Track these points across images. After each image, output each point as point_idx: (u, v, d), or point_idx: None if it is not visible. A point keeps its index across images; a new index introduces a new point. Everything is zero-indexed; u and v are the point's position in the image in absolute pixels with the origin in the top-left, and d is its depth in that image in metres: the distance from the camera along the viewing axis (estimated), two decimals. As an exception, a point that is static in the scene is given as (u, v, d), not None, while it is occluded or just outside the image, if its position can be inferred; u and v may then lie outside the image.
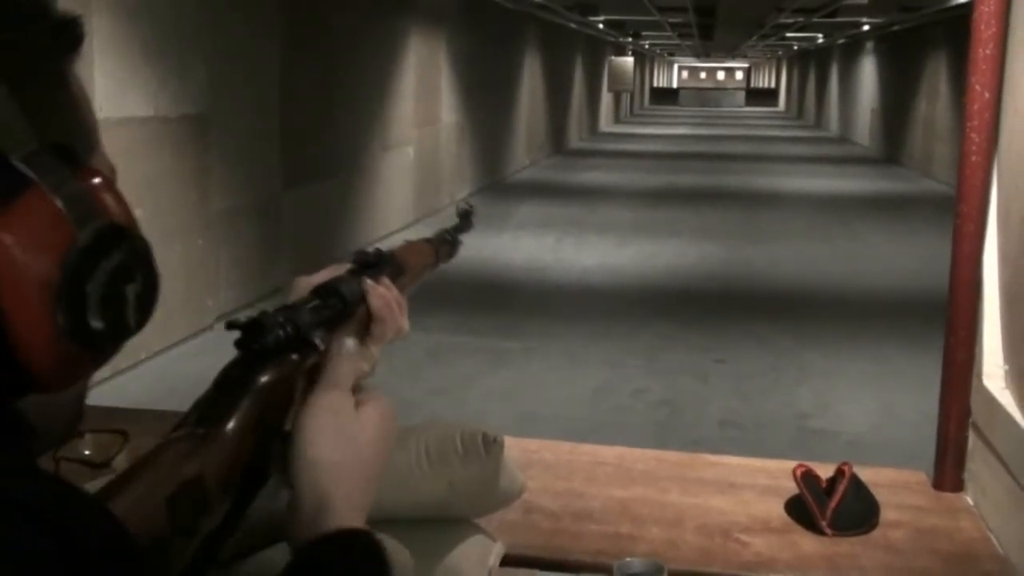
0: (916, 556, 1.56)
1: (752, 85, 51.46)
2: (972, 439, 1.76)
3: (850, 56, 24.27)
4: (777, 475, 1.77)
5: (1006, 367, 1.70)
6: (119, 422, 1.71)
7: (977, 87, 1.68)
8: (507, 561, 1.48)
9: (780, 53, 37.41)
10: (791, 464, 1.70)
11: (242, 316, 0.83)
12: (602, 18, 17.35)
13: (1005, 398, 1.65)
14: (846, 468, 1.66)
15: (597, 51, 25.14)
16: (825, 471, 1.69)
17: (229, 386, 0.80)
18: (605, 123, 27.33)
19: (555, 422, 4.66)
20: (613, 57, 26.29)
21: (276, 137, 7.28)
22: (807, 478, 1.65)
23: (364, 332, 0.94)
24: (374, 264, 1.01)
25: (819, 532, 1.60)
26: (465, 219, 1.28)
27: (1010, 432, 1.60)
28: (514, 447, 1.58)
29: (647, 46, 30.30)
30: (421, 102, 10.69)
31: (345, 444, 0.82)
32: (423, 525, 1.37)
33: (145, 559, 0.66)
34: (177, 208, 5.76)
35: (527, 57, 16.74)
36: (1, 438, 0.63)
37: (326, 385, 0.84)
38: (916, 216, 11.71)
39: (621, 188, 14.04)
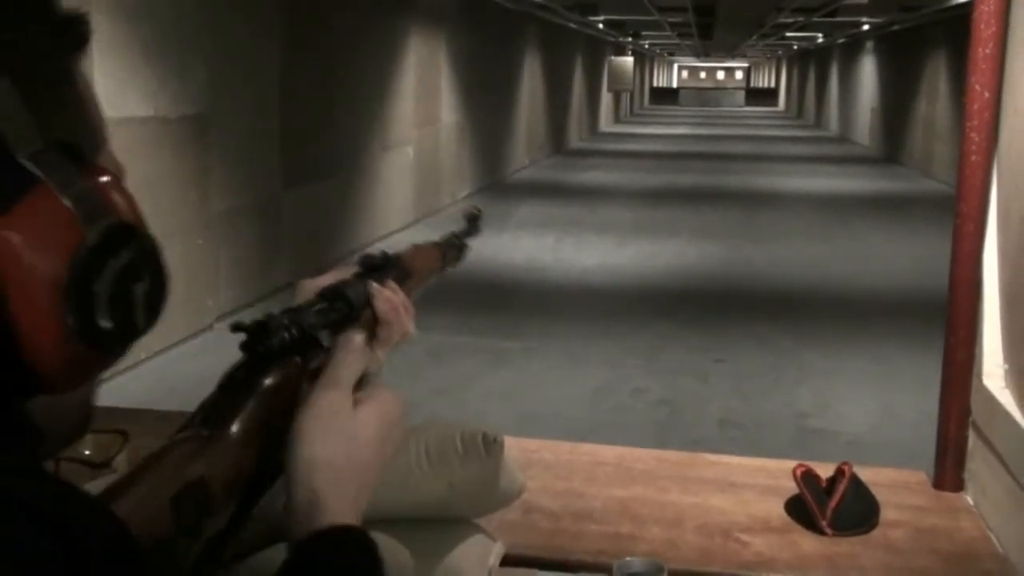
0: (916, 556, 1.56)
1: (752, 85, 51.45)
2: (972, 439, 1.76)
3: (850, 56, 24.27)
4: (777, 475, 1.77)
5: (1006, 366, 1.70)
6: (119, 422, 1.71)
7: (977, 86, 1.68)
8: (507, 561, 1.48)
9: (780, 53, 37.40)
10: (791, 464, 1.70)
11: (247, 318, 0.83)
12: (602, 18, 17.35)
13: (1005, 397, 1.65)
14: (846, 468, 1.66)
15: (597, 51, 25.14)
16: (825, 471, 1.69)
17: (234, 388, 0.80)
18: (605, 123, 27.33)
19: (555, 422, 4.66)
20: (613, 57, 26.29)
21: (276, 137, 7.28)
22: (807, 478, 1.65)
23: (370, 336, 0.94)
24: (380, 267, 1.01)
25: (819, 532, 1.60)
26: (473, 223, 1.27)
27: (1010, 431, 1.60)
28: (514, 447, 1.58)
29: (647, 46, 30.30)
30: (421, 102, 10.69)
31: (340, 443, 0.82)
32: (423, 525, 1.37)
33: (148, 560, 0.65)
34: (177, 208, 5.76)
35: (527, 57, 16.73)
36: (6, 439, 0.62)
37: (325, 384, 0.84)
38: (916, 216, 11.71)
39: (621, 188, 14.04)
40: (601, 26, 19.19)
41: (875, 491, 1.66)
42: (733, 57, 42.90)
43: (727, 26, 18.95)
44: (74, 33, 0.68)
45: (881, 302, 7.32)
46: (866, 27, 18.19)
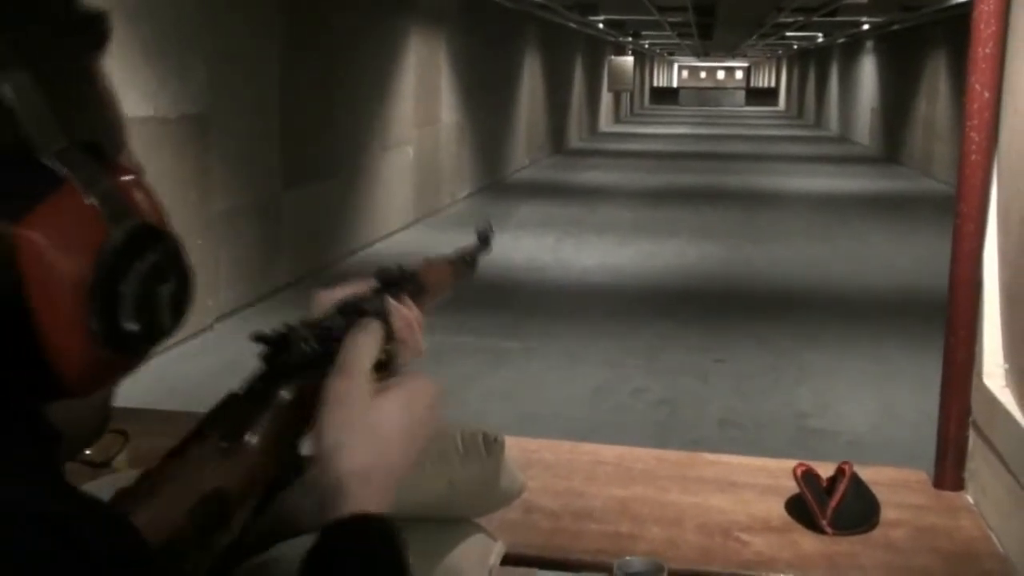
0: (916, 555, 1.56)
1: (752, 84, 51.46)
2: (972, 438, 1.76)
3: (850, 55, 24.27)
4: (777, 474, 1.77)
5: (1006, 366, 1.70)
6: (119, 422, 1.70)
7: (977, 86, 1.68)
8: (507, 560, 1.48)
9: (780, 52, 37.41)
10: (791, 463, 1.70)
11: (265, 327, 0.83)
12: (602, 18, 17.35)
13: (1005, 397, 1.65)
14: (846, 467, 1.66)
15: (597, 51, 25.14)
16: (825, 470, 1.69)
17: (253, 400, 0.80)
18: (605, 123, 27.33)
19: (555, 422, 4.66)
20: (613, 57, 26.29)
21: (276, 137, 7.28)
22: (807, 477, 1.65)
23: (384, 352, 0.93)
24: (396, 282, 1.00)
25: (819, 531, 1.60)
26: (484, 240, 1.26)
27: (1010, 431, 1.60)
28: (514, 447, 1.58)
29: (647, 46, 30.31)
30: (421, 102, 10.69)
31: (359, 430, 0.81)
32: (423, 525, 1.37)
33: (161, 569, 0.65)
34: (177, 208, 5.75)
35: (527, 57, 16.73)
36: (21, 444, 0.61)
37: (337, 372, 0.83)
38: (916, 215, 11.71)
39: (621, 188, 14.04)
40: (601, 26, 19.19)
41: (875, 490, 1.66)
42: (733, 57, 42.91)
43: (727, 26, 18.95)
44: (94, 31, 0.68)
45: (881, 302, 7.32)
46: (866, 27, 18.19)
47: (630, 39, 24.43)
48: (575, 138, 21.91)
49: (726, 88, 50.96)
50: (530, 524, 1.62)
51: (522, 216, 11.27)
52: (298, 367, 0.82)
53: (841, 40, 23.52)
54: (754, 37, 23.28)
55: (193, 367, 4.99)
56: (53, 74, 0.63)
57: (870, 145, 21.22)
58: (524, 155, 16.55)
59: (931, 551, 1.57)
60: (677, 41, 26.57)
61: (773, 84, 48.00)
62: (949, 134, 14.23)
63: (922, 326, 5.95)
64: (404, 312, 0.96)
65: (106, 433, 1.70)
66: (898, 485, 1.78)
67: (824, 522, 1.59)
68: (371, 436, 0.81)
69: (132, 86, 5.30)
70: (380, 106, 9.49)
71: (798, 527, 1.62)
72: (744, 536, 1.60)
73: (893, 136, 19.13)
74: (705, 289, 7.75)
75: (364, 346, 0.85)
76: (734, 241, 9.77)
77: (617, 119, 29.99)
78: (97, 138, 0.66)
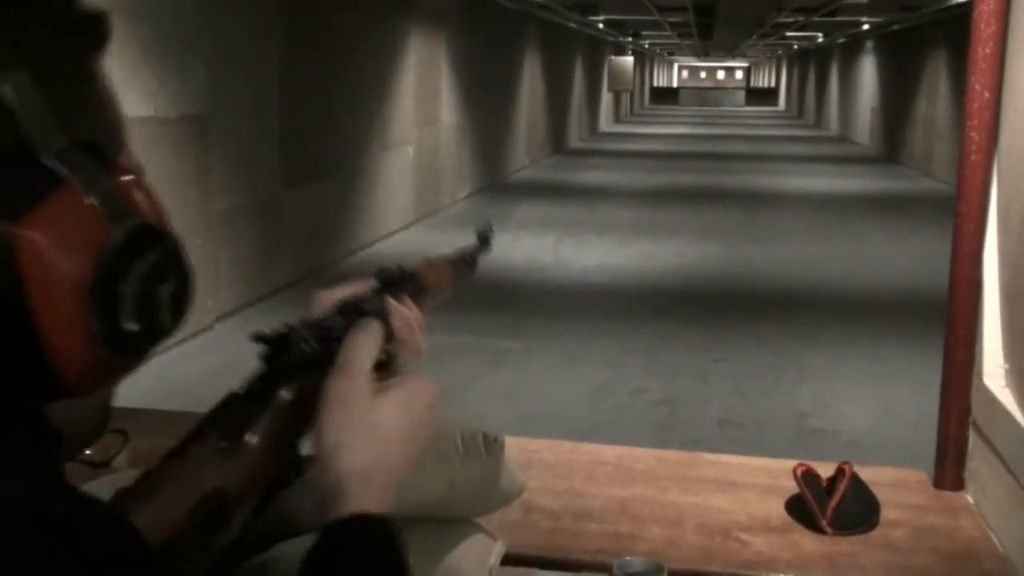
0: (916, 555, 1.56)
1: (752, 84, 51.46)
2: (972, 438, 1.76)
3: (850, 55, 24.27)
4: (777, 474, 1.77)
5: (1006, 366, 1.70)
6: (119, 422, 1.71)
7: (977, 86, 1.68)
8: (507, 560, 1.48)
9: (780, 52, 37.41)
10: (791, 463, 1.70)
11: (268, 329, 0.83)
12: (602, 18, 17.35)
13: (1005, 397, 1.65)
14: (846, 467, 1.66)
15: (597, 51, 25.14)
16: (825, 470, 1.69)
17: (253, 400, 0.80)
18: (605, 123, 27.33)
19: (555, 422, 4.66)
20: (613, 57, 26.29)
21: (276, 137, 7.28)
22: (807, 477, 1.65)
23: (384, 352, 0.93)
24: (396, 283, 1.00)
25: (819, 531, 1.60)
26: (484, 241, 1.26)
27: (1010, 431, 1.60)
28: (514, 447, 1.58)
29: (647, 46, 30.31)
30: (421, 102, 10.69)
31: (358, 429, 0.81)
32: (423, 525, 1.37)
33: (160, 569, 0.65)
34: (177, 208, 5.75)
35: (527, 57, 16.74)
36: (23, 444, 0.61)
37: (337, 371, 0.83)
38: (916, 215, 11.71)
39: (621, 188, 14.04)
40: (601, 26, 19.19)
41: (875, 490, 1.66)
42: (733, 57, 42.91)
43: (727, 26, 18.95)
44: (94, 31, 0.68)
45: (881, 302, 7.32)
46: (866, 27, 18.20)
47: (630, 39, 24.44)
48: (575, 138, 21.91)
49: (726, 88, 50.96)
50: (530, 524, 1.62)
51: (522, 216, 11.27)
52: (298, 367, 0.82)
53: (841, 40, 23.52)
54: (754, 37, 23.28)
55: (193, 367, 4.99)
56: (53, 74, 0.62)
57: (870, 145, 21.22)
58: (524, 155, 16.55)
59: (931, 551, 1.57)
60: (677, 41, 26.57)
61: (773, 84, 48.00)
62: (949, 134, 14.23)
63: (922, 326, 5.95)
64: (404, 312, 0.95)
65: (106, 433, 1.70)
66: (898, 485, 1.78)
67: (824, 522, 1.59)
68: (371, 436, 0.81)
69: (132, 86, 5.30)
70: (380, 106, 9.49)
71: (798, 527, 1.62)
72: (744, 536, 1.60)
73: (893, 136, 19.13)
74: (705, 289, 7.74)
75: (364, 346, 0.85)
76: (734, 241, 9.77)
77: (617, 119, 29.99)
78: (97, 138, 0.65)
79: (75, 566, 0.56)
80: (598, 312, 6.95)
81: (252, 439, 0.77)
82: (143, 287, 0.63)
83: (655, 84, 46.96)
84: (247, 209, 6.84)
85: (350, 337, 0.85)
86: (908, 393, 5.07)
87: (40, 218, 0.59)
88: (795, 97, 37.81)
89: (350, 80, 8.63)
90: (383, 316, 0.92)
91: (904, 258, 8.97)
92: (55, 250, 0.59)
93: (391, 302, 0.95)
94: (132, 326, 0.63)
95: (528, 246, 9.17)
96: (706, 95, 48.32)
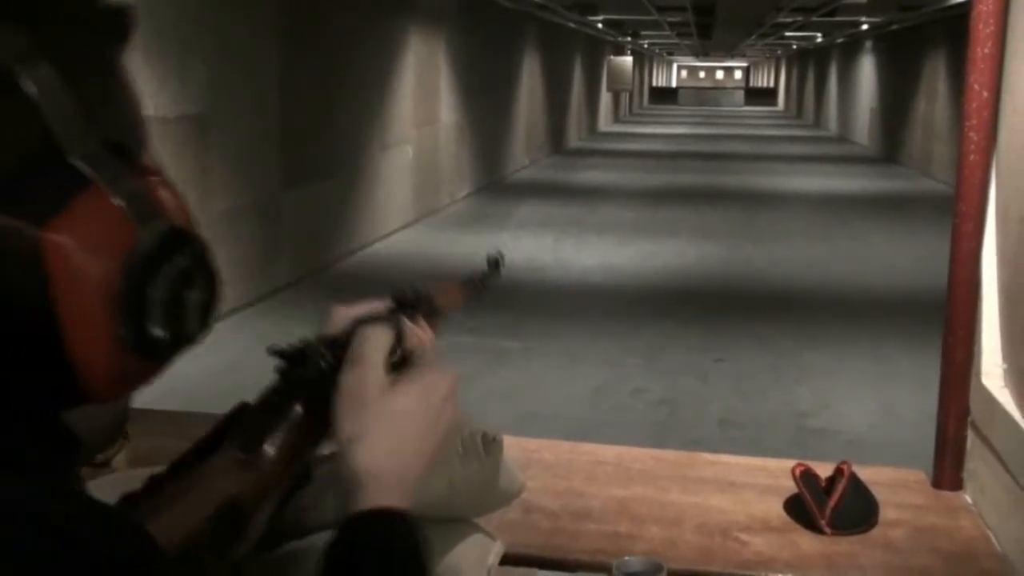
0: (915, 555, 1.56)
1: (751, 84, 51.47)
2: (971, 438, 1.76)
3: (849, 55, 24.27)
4: (776, 474, 1.77)
5: (1005, 366, 1.70)
6: (119, 422, 1.71)
7: (975, 86, 1.69)
8: (507, 560, 1.48)
9: (779, 52, 37.40)
10: (790, 463, 1.71)
11: (285, 343, 0.83)
12: (601, 18, 17.35)
13: (1004, 397, 1.65)
14: (845, 467, 1.66)
15: (596, 51, 25.14)
16: (824, 470, 1.69)
17: (269, 412, 0.81)
18: (604, 123, 27.33)
19: (555, 422, 4.66)
20: (612, 56, 26.29)
21: (276, 137, 7.28)
22: (806, 477, 1.65)
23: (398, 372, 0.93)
24: (412, 304, 1.00)
25: (818, 531, 1.60)
26: (494, 267, 1.27)
27: (1009, 431, 1.60)
28: (514, 446, 1.58)
29: (646, 45, 30.30)
30: (420, 102, 10.69)
31: (373, 420, 0.80)
32: (422, 524, 1.37)
33: (167, 570, 0.64)
34: (177, 208, 5.75)
35: (526, 57, 16.73)
36: (30, 444, 0.60)
37: (349, 365, 0.82)
38: (915, 215, 11.71)
39: (621, 188, 14.04)
40: (600, 26, 19.19)
41: (874, 490, 1.66)
42: (732, 57, 42.91)
43: (726, 26, 18.95)
44: (119, 24, 0.66)
45: (881, 302, 7.32)
46: (865, 27, 18.20)
47: (629, 39, 24.43)
48: (574, 138, 21.91)
49: (725, 88, 50.95)
50: (529, 524, 1.62)
51: (522, 216, 11.27)
52: (314, 382, 0.82)
53: (840, 40, 23.52)
54: (753, 37, 23.28)
55: (193, 367, 4.98)
56: (78, 69, 0.61)
57: (869, 145, 21.22)
58: (523, 155, 16.55)
59: (930, 551, 1.57)
60: (676, 41, 26.57)
61: (772, 84, 47.99)
62: (948, 134, 14.23)
63: (922, 326, 5.95)
64: (419, 333, 0.95)
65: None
66: (897, 485, 1.78)
67: (823, 522, 1.60)
68: (387, 429, 0.80)
69: (132, 86, 5.30)
70: (380, 106, 9.49)
71: (797, 527, 1.62)
72: (743, 536, 1.60)
73: (892, 136, 19.13)
74: (705, 289, 7.75)
75: (375, 339, 0.84)
76: (734, 241, 9.77)
77: (616, 119, 29.99)
78: (122, 136, 0.64)
79: (75, 566, 0.56)
80: (598, 312, 6.95)
81: (268, 451, 0.78)
82: (171, 292, 0.62)
83: (654, 84, 46.95)
84: (247, 209, 6.84)
85: (360, 332, 0.84)
86: (907, 393, 5.07)
87: (67, 221, 0.58)
88: (794, 97, 37.81)
89: (350, 80, 8.63)
90: (399, 332, 0.92)
91: (904, 258, 8.97)
92: (82, 254, 0.58)
93: (406, 322, 0.95)
94: (159, 332, 0.62)
95: (528, 246, 9.17)
96: (705, 95, 48.31)
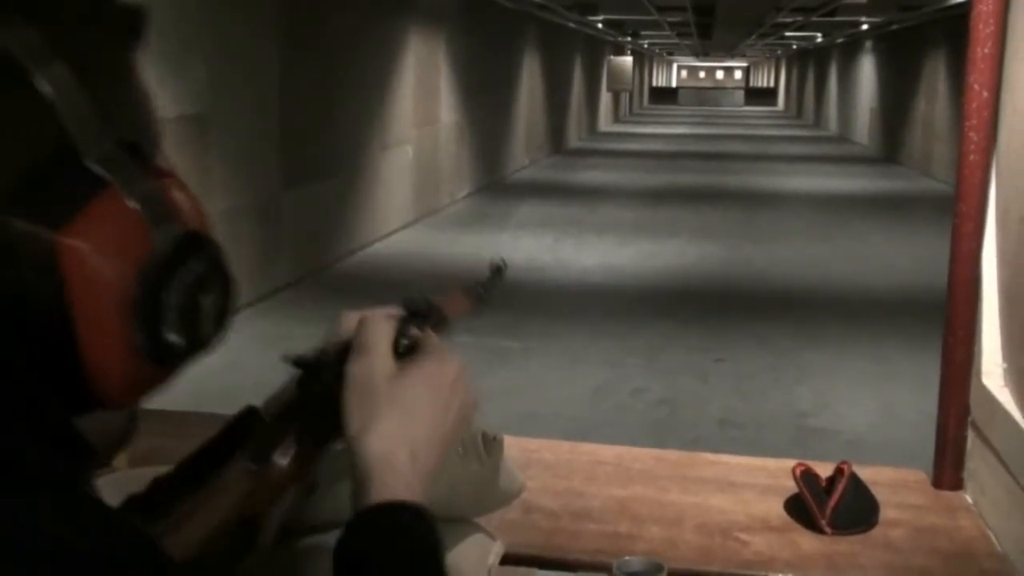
0: (915, 554, 1.56)
1: (751, 84, 51.47)
2: (971, 437, 1.76)
3: (849, 55, 24.28)
4: (777, 474, 1.77)
5: (1005, 365, 1.70)
6: (119, 422, 1.71)
7: (975, 86, 1.68)
8: (507, 560, 1.48)
9: (779, 52, 37.40)
10: (791, 463, 1.70)
11: (299, 351, 0.83)
12: (601, 18, 17.35)
13: (1004, 396, 1.65)
14: (845, 467, 1.66)
15: (596, 51, 25.14)
16: (824, 470, 1.69)
17: (285, 422, 0.80)
18: (604, 123, 27.33)
19: (555, 421, 4.66)
20: (612, 56, 26.29)
21: (276, 137, 7.28)
22: (806, 477, 1.65)
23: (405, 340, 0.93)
24: (422, 313, 1.01)
25: (818, 531, 1.60)
26: (497, 274, 1.26)
27: (1009, 430, 1.60)
28: (514, 446, 1.58)
29: (646, 45, 30.30)
30: (420, 102, 10.69)
31: (380, 412, 0.78)
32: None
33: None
34: (177, 208, 5.75)
35: (526, 57, 16.74)
36: (40, 453, 0.59)
37: (354, 355, 0.80)
38: (915, 215, 11.71)
39: (621, 188, 14.04)
40: (600, 26, 19.19)
41: (874, 490, 1.66)
42: (732, 57, 42.91)
43: (726, 26, 18.95)
44: (133, 22, 0.65)
45: (881, 302, 7.33)
46: (865, 27, 18.20)
47: (629, 39, 24.43)
48: (574, 138, 21.92)
49: (725, 88, 50.95)
50: (529, 524, 1.62)
51: (522, 216, 11.27)
52: (327, 391, 0.81)
53: (840, 40, 23.52)
54: (753, 37, 23.28)
55: (193, 367, 4.98)
56: (92, 68, 0.60)
57: (869, 145, 21.22)
58: (523, 155, 16.55)
59: (930, 551, 1.57)
60: (676, 41, 26.57)
61: (772, 84, 47.99)
62: (948, 134, 14.23)
63: (922, 326, 5.95)
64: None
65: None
66: (897, 485, 1.78)
67: (823, 522, 1.60)
68: (397, 416, 0.78)
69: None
70: (380, 106, 9.49)
71: (797, 527, 1.62)
72: (743, 536, 1.60)
73: (892, 136, 19.13)
74: (705, 289, 7.75)
75: (378, 326, 0.83)
76: (734, 241, 9.77)
77: (616, 119, 29.99)
78: (137, 136, 0.63)
79: (72, 566, 0.55)
80: (598, 312, 6.95)
81: (280, 461, 0.77)
82: (187, 297, 0.61)
83: (654, 84, 46.95)
84: (247, 209, 6.84)
85: (362, 321, 0.83)
86: (907, 393, 5.07)
87: (83, 224, 0.57)
88: (794, 97, 37.81)
89: (350, 80, 8.63)
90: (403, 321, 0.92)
91: (904, 258, 8.97)
92: (98, 258, 0.57)
93: (417, 333, 0.95)
94: (174, 338, 0.61)
95: (528, 246, 9.17)
96: (705, 95, 48.31)
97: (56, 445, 0.60)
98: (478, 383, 0.87)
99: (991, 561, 1.55)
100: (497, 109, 14.69)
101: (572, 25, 18.97)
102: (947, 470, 1.78)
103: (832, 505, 1.60)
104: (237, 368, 4.44)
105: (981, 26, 1.66)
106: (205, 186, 6.20)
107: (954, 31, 13.18)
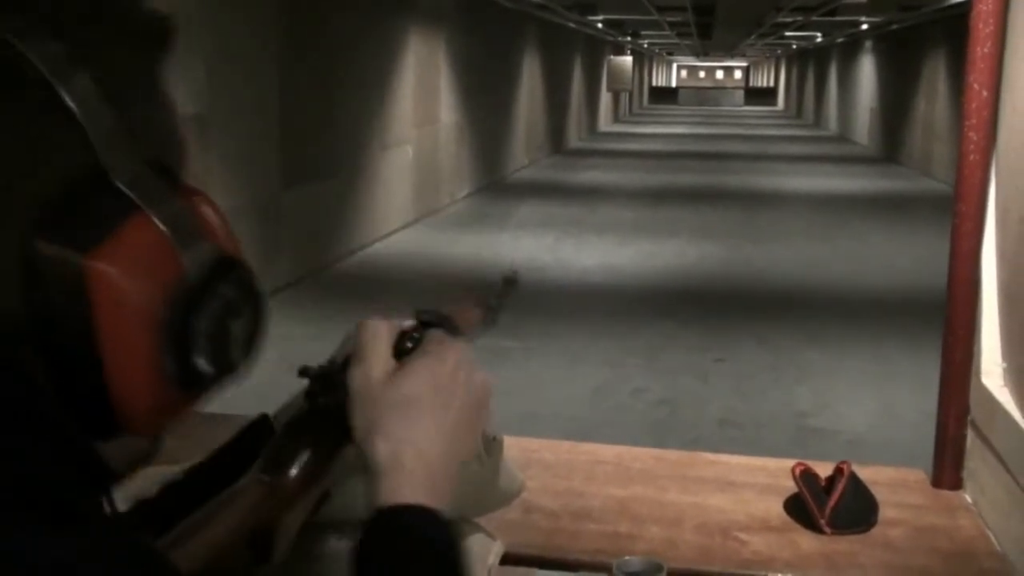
0: (915, 554, 1.56)
1: (751, 84, 51.48)
2: (971, 437, 1.76)
3: (849, 55, 24.28)
4: (776, 474, 1.77)
5: (1004, 365, 1.70)
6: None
7: (975, 85, 1.69)
8: (506, 560, 1.48)
9: (779, 52, 37.40)
10: (790, 463, 1.70)
11: (314, 365, 0.82)
12: (601, 17, 17.35)
13: (1003, 396, 1.65)
14: (845, 467, 1.66)
15: (596, 51, 25.14)
16: (824, 470, 1.69)
17: (297, 436, 0.80)
18: (604, 122, 27.33)
19: (555, 421, 4.66)
20: (612, 56, 26.29)
21: (276, 137, 7.28)
22: (806, 477, 1.65)
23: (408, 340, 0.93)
24: (436, 325, 1.00)
25: (818, 530, 1.60)
26: (509, 286, 1.26)
27: (1008, 430, 1.60)
28: (514, 446, 1.58)
29: (646, 45, 30.30)
30: (420, 102, 10.69)
31: (379, 413, 0.77)
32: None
33: None
34: (177, 208, 5.75)
35: (526, 57, 16.74)
36: (71, 484, 0.56)
37: (354, 360, 0.79)
38: (915, 215, 11.71)
39: (621, 188, 14.04)
40: (600, 26, 19.19)
41: (874, 490, 1.66)
42: (732, 56, 42.91)
43: (726, 26, 18.96)
44: (159, 33, 0.64)
45: (881, 302, 7.33)
46: (865, 26, 18.20)
47: (629, 39, 24.44)
48: (574, 138, 21.91)
49: (725, 88, 50.96)
50: (529, 524, 1.62)
51: (522, 216, 11.27)
52: (339, 403, 0.81)
53: (840, 40, 23.52)
54: (753, 37, 23.29)
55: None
56: (119, 82, 0.59)
57: (869, 145, 21.22)
58: (523, 155, 16.55)
59: (929, 550, 1.57)
60: (676, 41, 26.57)
61: (772, 84, 47.99)
62: (948, 134, 14.23)
63: (922, 326, 5.95)
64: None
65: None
66: (896, 484, 1.78)
67: (823, 521, 1.60)
68: (396, 416, 0.77)
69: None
70: (380, 106, 9.49)
71: (797, 527, 1.62)
72: (743, 536, 1.60)
73: (892, 136, 19.13)
74: (705, 289, 7.75)
75: (376, 329, 0.82)
76: (734, 241, 9.77)
77: (616, 119, 29.99)
78: (164, 154, 0.62)
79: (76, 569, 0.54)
80: (598, 312, 6.95)
81: (294, 474, 0.77)
82: (217, 322, 0.60)
83: (654, 84, 46.95)
84: (247, 209, 6.84)
85: (360, 326, 0.83)
86: (907, 393, 5.07)
87: (112, 248, 0.56)
88: (794, 97, 37.81)
89: (350, 80, 8.63)
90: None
91: (904, 258, 8.97)
92: (127, 282, 0.56)
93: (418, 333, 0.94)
94: (203, 364, 0.60)
95: (528, 246, 9.17)
96: (705, 95, 48.31)
97: (80, 470, 0.59)
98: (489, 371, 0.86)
99: (991, 561, 1.55)
100: (497, 109, 14.69)
101: (572, 25, 18.97)
102: (947, 470, 1.78)
103: (832, 505, 1.60)
104: (237, 368, 4.42)
105: (981, 25, 1.66)
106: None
107: (954, 31, 13.18)
